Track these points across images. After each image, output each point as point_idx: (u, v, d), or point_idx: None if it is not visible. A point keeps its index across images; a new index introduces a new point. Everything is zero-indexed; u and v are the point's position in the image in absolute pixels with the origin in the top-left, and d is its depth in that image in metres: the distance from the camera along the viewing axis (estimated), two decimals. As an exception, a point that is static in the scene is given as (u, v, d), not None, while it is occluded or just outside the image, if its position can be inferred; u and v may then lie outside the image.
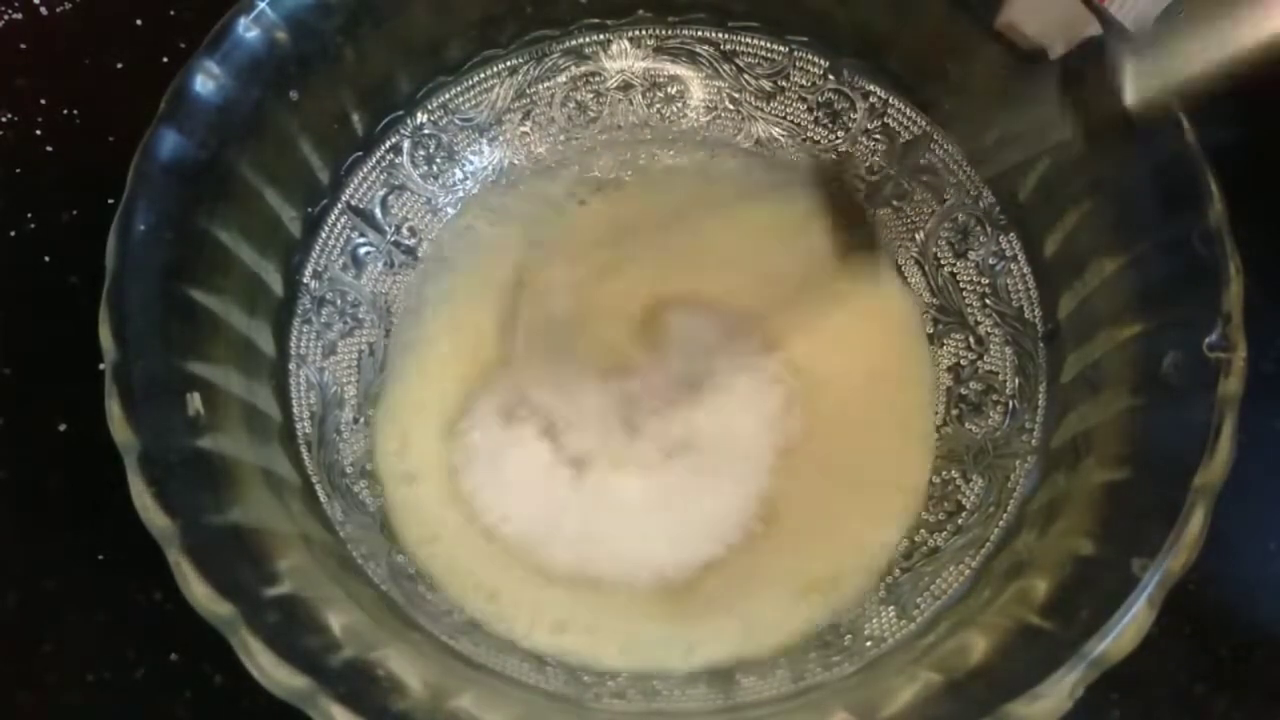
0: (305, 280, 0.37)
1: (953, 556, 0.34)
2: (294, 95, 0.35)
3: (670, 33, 0.42)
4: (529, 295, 0.39)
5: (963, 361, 0.38)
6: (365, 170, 0.39)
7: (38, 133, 0.45)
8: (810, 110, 0.41)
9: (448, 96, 0.40)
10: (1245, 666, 0.36)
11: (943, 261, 0.39)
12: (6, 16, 0.47)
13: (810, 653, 0.33)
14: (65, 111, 0.45)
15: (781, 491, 0.36)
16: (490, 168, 0.41)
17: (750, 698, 0.32)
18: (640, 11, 0.41)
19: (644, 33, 0.42)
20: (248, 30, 0.33)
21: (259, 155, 0.34)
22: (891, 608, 0.33)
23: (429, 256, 0.40)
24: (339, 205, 0.38)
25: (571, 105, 0.42)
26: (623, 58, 0.42)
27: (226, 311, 0.32)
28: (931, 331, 0.39)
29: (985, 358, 0.37)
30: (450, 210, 0.41)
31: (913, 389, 0.38)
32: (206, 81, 0.32)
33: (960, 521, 0.35)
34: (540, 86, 0.42)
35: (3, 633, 0.37)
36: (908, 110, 0.40)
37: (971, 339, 0.38)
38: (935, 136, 0.39)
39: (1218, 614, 0.37)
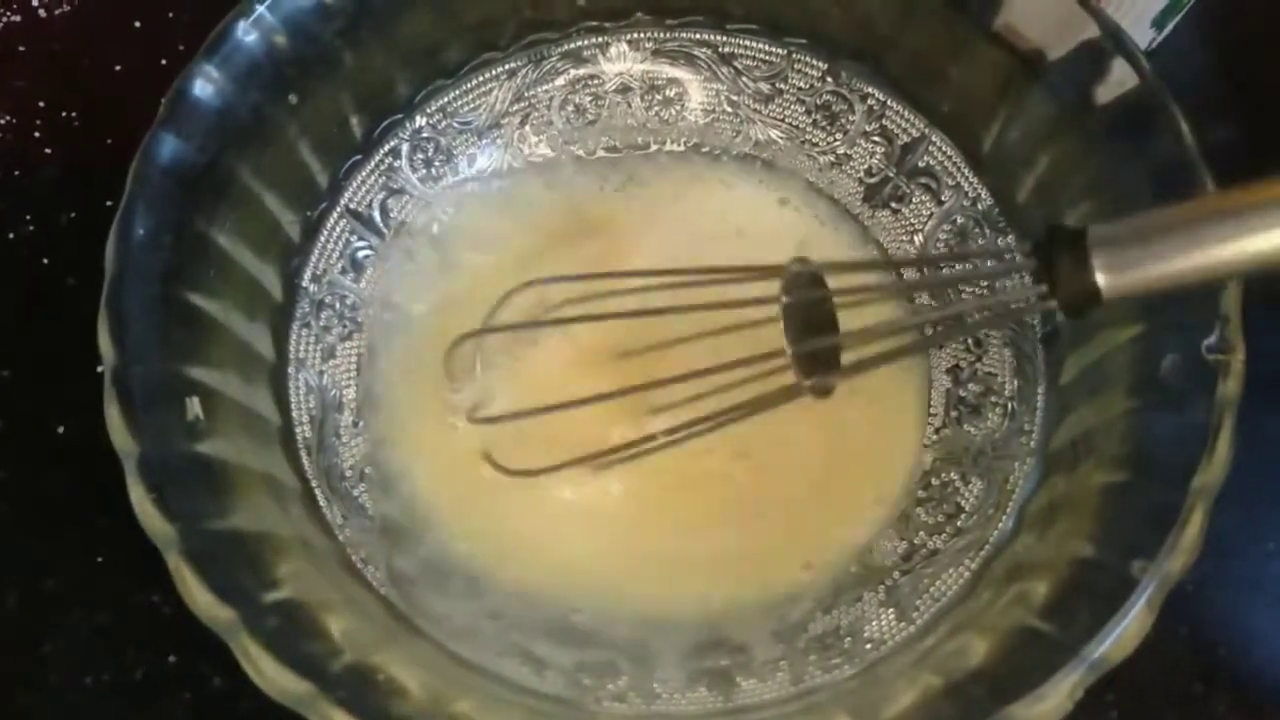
0: (304, 284, 0.37)
1: (952, 559, 0.34)
2: (293, 99, 0.35)
3: (668, 35, 0.41)
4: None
5: (961, 363, 0.38)
6: (364, 174, 0.39)
7: (36, 134, 0.45)
8: (809, 112, 0.41)
9: (446, 100, 0.40)
10: (1245, 666, 0.37)
11: (941, 264, 0.39)
12: (5, 18, 0.47)
13: (810, 655, 0.33)
14: (64, 114, 0.45)
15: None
16: (489, 171, 0.41)
17: (750, 700, 0.32)
18: (638, 14, 0.41)
19: (642, 35, 0.41)
20: (246, 34, 0.33)
21: (258, 159, 0.34)
22: (891, 610, 0.33)
23: (427, 258, 0.40)
24: (338, 209, 0.38)
25: (570, 108, 0.42)
26: (621, 60, 0.42)
27: (225, 316, 0.32)
28: (930, 334, 0.39)
29: (984, 359, 0.37)
30: (448, 213, 0.41)
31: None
32: (205, 85, 0.32)
33: (959, 523, 0.35)
34: (539, 89, 0.41)
35: (3, 633, 0.37)
36: (906, 112, 0.40)
37: (970, 341, 0.38)
38: (933, 138, 0.39)
39: (1217, 614, 0.37)
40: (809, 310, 0.31)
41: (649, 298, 0.35)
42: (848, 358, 0.31)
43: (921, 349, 0.37)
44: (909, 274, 0.40)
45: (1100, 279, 0.26)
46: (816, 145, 0.42)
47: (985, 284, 0.38)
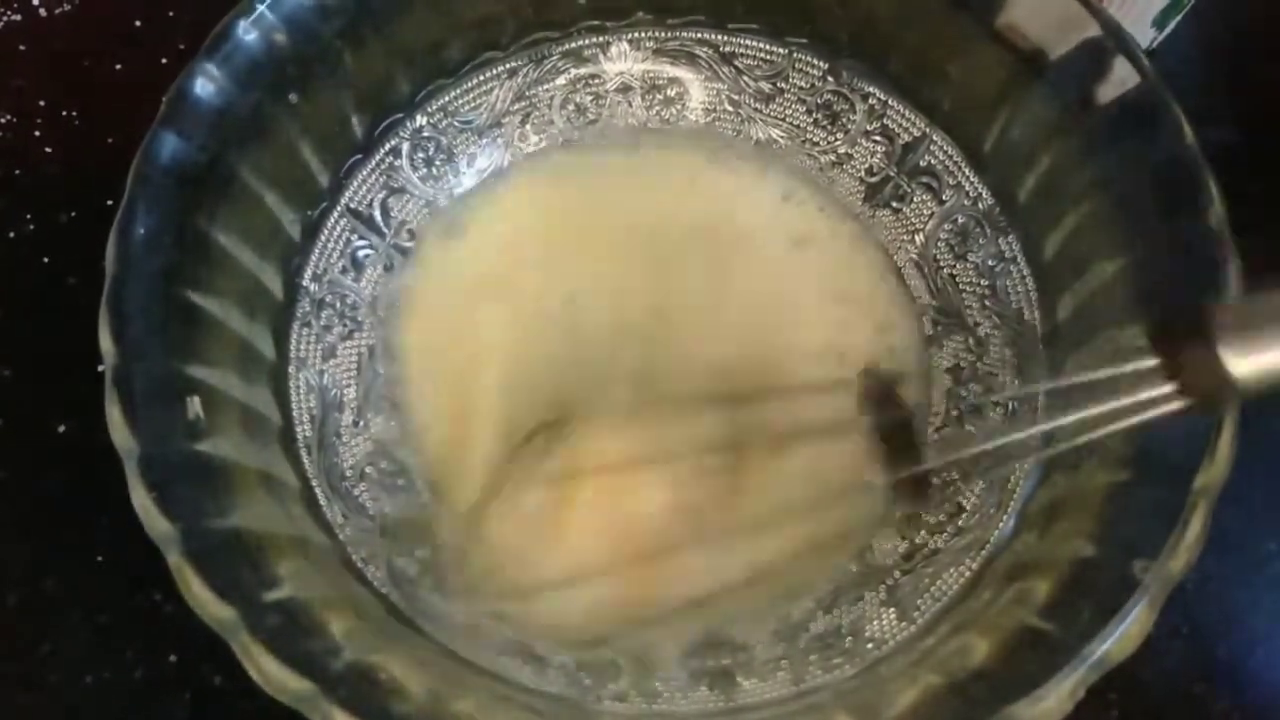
0: (305, 283, 0.37)
1: (953, 558, 0.34)
2: (293, 98, 0.35)
3: (669, 35, 0.41)
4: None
5: (962, 363, 0.38)
6: (365, 173, 0.39)
7: (37, 133, 0.45)
8: (809, 112, 0.41)
9: (447, 99, 0.40)
10: (1246, 666, 0.37)
11: (942, 263, 0.39)
12: (6, 18, 0.47)
13: (811, 654, 0.33)
14: (64, 113, 0.45)
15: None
16: (490, 170, 0.41)
17: (751, 700, 0.32)
18: (639, 13, 0.41)
19: (643, 35, 0.41)
20: (247, 33, 0.33)
21: (259, 158, 0.34)
22: (892, 609, 0.33)
23: (427, 259, 0.40)
24: (338, 208, 0.38)
25: (571, 107, 0.42)
26: (622, 60, 0.42)
27: (226, 314, 0.32)
28: (931, 333, 0.39)
29: (985, 359, 0.37)
30: (449, 213, 0.41)
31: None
32: (206, 84, 0.32)
33: (960, 523, 0.35)
34: (539, 89, 0.42)
35: (3, 633, 0.37)
36: (907, 112, 0.40)
37: (971, 340, 0.38)
38: (934, 138, 0.39)
39: (1218, 613, 0.37)
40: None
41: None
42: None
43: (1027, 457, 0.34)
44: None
45: (1234, 367, 0.24)
46: (817, 145, 0.42)
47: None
